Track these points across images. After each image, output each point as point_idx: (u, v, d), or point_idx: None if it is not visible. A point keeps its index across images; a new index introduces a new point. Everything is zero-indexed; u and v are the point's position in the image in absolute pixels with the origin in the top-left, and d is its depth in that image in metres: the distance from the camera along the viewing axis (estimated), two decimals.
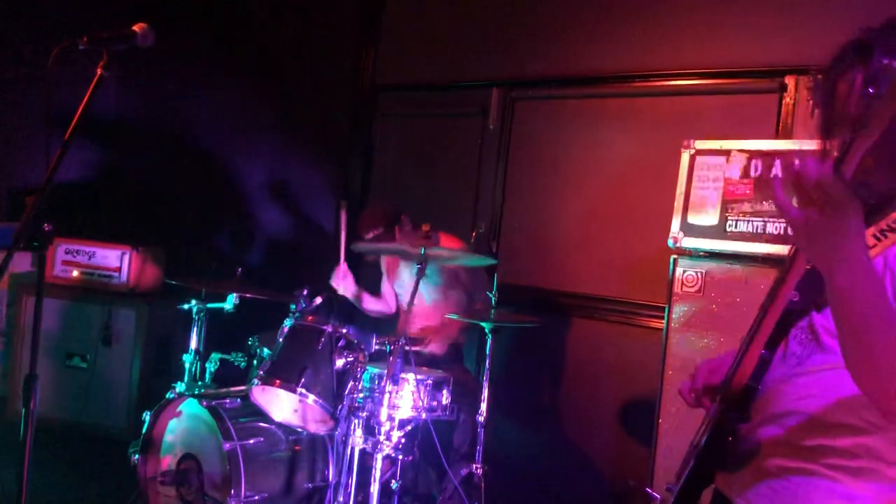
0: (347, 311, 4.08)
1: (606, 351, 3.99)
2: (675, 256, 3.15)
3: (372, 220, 3.75)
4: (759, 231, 2.99)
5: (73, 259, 4.72)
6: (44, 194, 2.00)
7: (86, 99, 2.06)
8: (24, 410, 2.01)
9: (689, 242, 3.13)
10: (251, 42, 5.35)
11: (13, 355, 4.68)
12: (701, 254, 3.13)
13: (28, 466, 2.00)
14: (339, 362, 3.11)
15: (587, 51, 4.13)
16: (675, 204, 3.15)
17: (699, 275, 3.10)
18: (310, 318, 3.25)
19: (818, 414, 1.36)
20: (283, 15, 5.23)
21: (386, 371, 3.03)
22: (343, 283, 3.88)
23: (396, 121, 4.90)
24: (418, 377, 3.16)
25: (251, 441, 3.12)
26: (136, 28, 2.15)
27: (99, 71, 2.09)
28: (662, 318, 3.24)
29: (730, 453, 1.43)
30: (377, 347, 3.27)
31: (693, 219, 3.12)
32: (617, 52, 4.04)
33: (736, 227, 3.03)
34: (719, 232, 3.07)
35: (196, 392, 3.39)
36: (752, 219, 3.00)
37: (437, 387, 3.23)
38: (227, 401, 3.24)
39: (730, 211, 3.04)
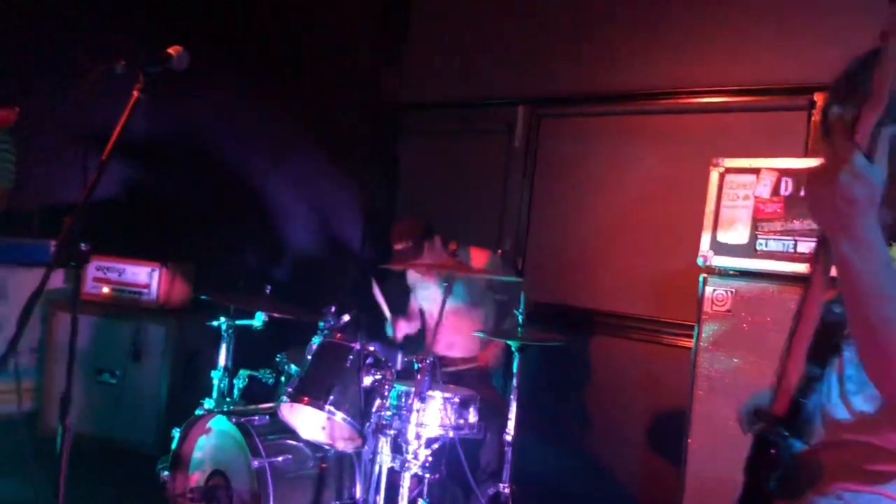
0: (374, 328, 4.09)
1: (634, 369, 3.96)
2: (705, 275, 3.13)
3: (403, 231, 3.79)
4: (790, 250, 2.97)
5: (104, 276, 4.79)
6: (81, 214, 2.03)
7: (122, 120, 2.10)
8: (59, 428, 2.04)
9: (719, 261, 3.11)
10: (277, 61, 5.41)
11: (45, 371, 4.74)
12: (731, 272, 3.12)
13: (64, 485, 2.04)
14: (367, 380, 3.11)
15: (614, 68, 4.13)
16: (705, 222, 3.14)
17: (729, 293, 3.07)
18: (338, 335, 3.26)
19: (880, 439, 1.33)
20: (309, 33, 5.29)
21: (413, 389, 3.04)
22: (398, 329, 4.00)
23: (421, 138, 4.93)
24: (445, 395, 3.16)
25: (279, 458, 3.13)
26: (171, 51, 2.20)
27: (135, 93, 2.13)
28: (691, 336, 3.22)
29: (788, 479, 1.40)
30: (404, 365, 3.29)
31: (722, 237, 3.10)
32: (643, 69, 4.04)
33: (766, 245, 3.01)
34: (749, 250, 3.05)
35: (225, 409, 3.41)
36: (782, 237, 2.98)
37: (464, 405, 3.22)
38: (256, 418, 3.25)
39: (760, 229, 3.02)
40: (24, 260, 4.79)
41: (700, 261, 3.14)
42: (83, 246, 2.05)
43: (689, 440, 3.11)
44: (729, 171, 3.12)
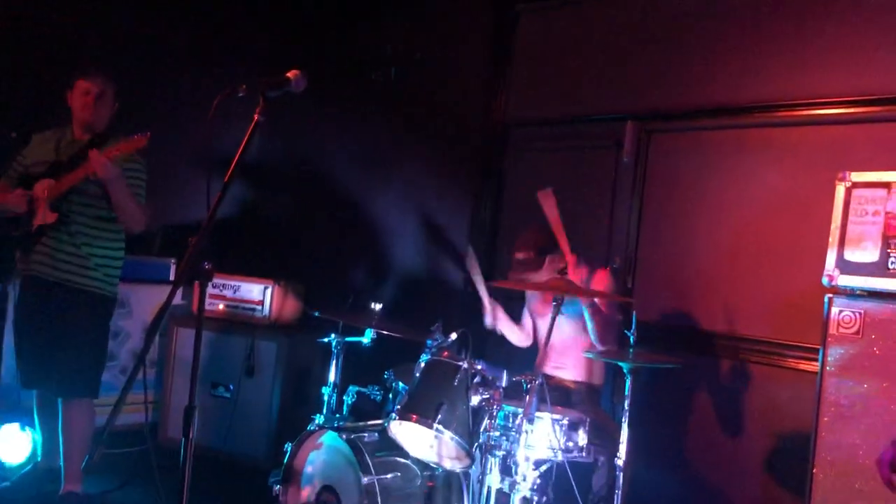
0: (481, 346, 4.07)
1: (753, 394, 3.79)
2: (831, 295, 2.97)
3: (527, 241, 3.69)
4: None
5: (220, 293, 4.97)
6: (205, 234, 2.11)
7: (244, 143, 2.17)
8: (183, 439, 2.11)
9: (846, 280, 2.95)
10: (384, 81, 5.51)
11: (164, 384, 4.95)
12: (859, 293, 2.94)
13: (187, 492, 2.10)
14: (475, 399, 3.10)
15: (727, 79, 3.99)
16: (830, 239, 2.98)
17: (857, 315, 2.90)
18: (445, 353, 3.26)
19: None
20: (416, 54, 5.36)
21: (521, 409, 3.00)
22: (496, 318, 3.90)
23: (528, 156, 4.89)
24: (554, 417, 3.10)
25: (388, 475, 3.16)
26: (289, 75, 2.26)
27: (256, 116, 2.21)
28: (815, 360, 3.06)
29: None
30: (509, 383, 3.25)
31: (850, 255, 2.94)
32: (760, 80, 3.89)
33: None
34: (880, 269, 2.87)
35: (335, 424, 3.46)
36: None
37: (573, 427, 3.16)
38: (366, 434, 3.29)
39: (892, 247, 2.85)
40: (146, 277, 5.04)
41: (825, 280, 2.98)
42: (206, 264, 2.12)
43: (815, 470, 2.94)
44: (857, 185, 2.95)
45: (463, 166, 5.07)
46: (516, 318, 4.09)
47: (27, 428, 4.03)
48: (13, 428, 4.04)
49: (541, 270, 3.66)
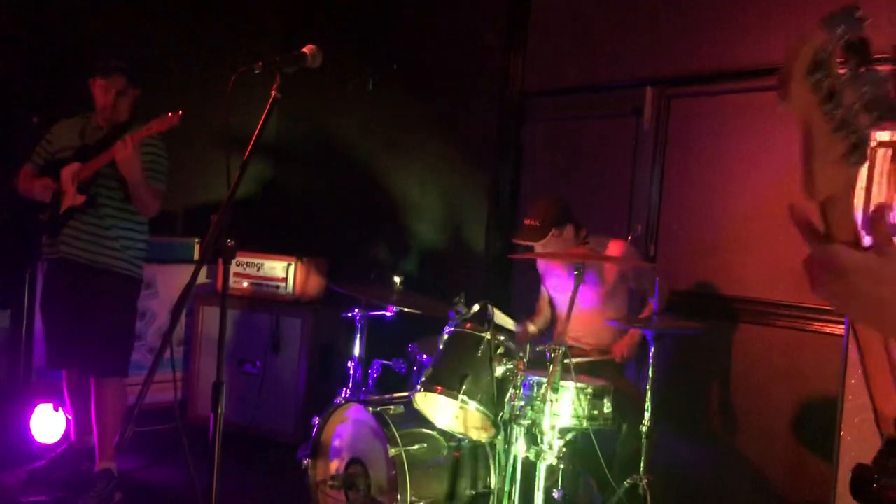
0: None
1: (778, 358, 3.77)
2: None
3: (536, 209, 3.65)
4: None
5: (244, 271, 5.01)
6: (226, 212, 2.12)
7: (262, 120, 2.17)
8: (212, 415, 2.14)
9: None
10: (401, 54, 5.47)
11: (192, 362, 5.02)
12: None
13: (217, 467, 2.14)
14: (499, 370, 3.11)
15: (748, 42, 3.92)
16: (855, 201, 2.93)
17: None
18: (468, 325, 3.27)
19: None
20: (432, 26, 5.32)
21: (545, 379, 3.01)
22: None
23: (547, 125, 4.86)
24: (578, 385, 3.11)
25: (415, 447, 3.18)
26: (305, 50, 2.26)
27: (273, 93, 2.21)
28: (841, 323, 3.04)
29: None
30: (535, 354, 3.26)
31: None
32: (781, 41, 3.82)
33: None
34: None
35: (361, 398, 3.49)
36: None
37: (598, 396, 3.16)
38: (392, 407, 3.32)
39: None
40: (171, 258, 5.10)
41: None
42: (229, 242, 2.14)
43: (842, 433, 2.93)
44: (882, 144, 2.91)
45: (481, 137, 5.04)
46: (533, 288, 4.09)
47: (60, 408, 4.11)
48: (47, 408, 4.12)
49: (543, 242, 3.61)
